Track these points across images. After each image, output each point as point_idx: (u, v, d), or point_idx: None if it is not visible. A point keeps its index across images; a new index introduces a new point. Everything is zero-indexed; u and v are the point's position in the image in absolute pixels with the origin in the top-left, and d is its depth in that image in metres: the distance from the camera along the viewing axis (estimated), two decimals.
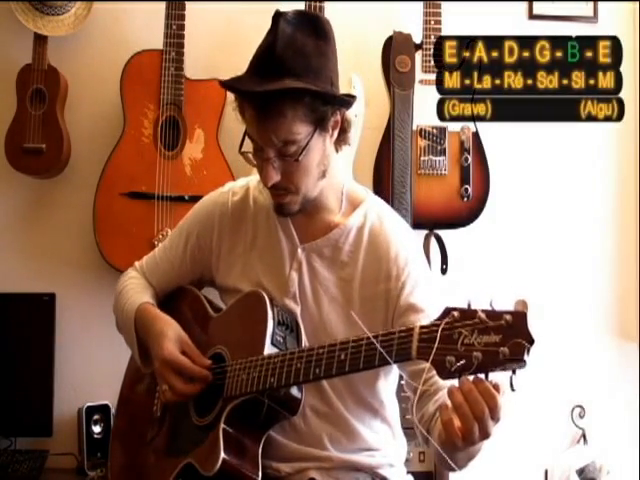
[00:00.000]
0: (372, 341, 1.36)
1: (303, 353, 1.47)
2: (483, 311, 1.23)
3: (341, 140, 1.64)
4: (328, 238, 1.66)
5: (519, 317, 1.20)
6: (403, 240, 1.66)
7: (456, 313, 1.25)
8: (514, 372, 1.21)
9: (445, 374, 1.25)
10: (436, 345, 1.25)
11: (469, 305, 1.25)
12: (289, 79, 1.50)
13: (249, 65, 1.57)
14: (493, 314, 1.22)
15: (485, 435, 1.26)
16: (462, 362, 1.22)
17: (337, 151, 1.65)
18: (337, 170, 1.67)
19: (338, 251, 1.65)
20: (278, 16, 1.53)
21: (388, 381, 1.69)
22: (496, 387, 1.25)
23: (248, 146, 1.60)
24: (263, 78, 1.50)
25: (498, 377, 1.24)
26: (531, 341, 1.19)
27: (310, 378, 1.45)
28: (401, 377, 1.78)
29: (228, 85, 1.57)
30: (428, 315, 1.32)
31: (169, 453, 1.65)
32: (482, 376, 1.24)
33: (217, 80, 1.61)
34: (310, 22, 1.56)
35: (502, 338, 1.20)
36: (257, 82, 1.50)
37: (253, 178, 1.80)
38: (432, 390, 1.50)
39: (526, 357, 1.18)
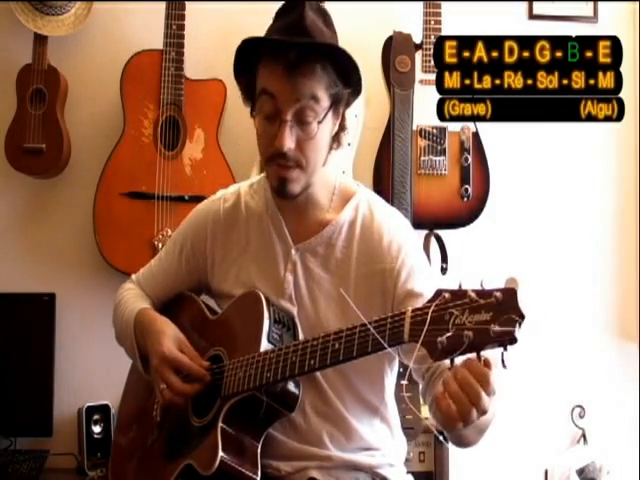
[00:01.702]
0: (365, 328, 1.36)
1: (298, 346, 1.47)
2: (473, 291, 1.23)
3: (337, 138, 1.64)
4: (321, 236, 1.66)
5: (509, 294, 1.21)
6: (394, 228, 1.66)
7: (447, 294, 1.26)
8: (505, 349, 1.21)
9: (437, 355, 1.25)
10: (426, 327, 1.25)
11: (460, 286, 1.26)
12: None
13: (270, 32, 1.58)
14: (483, 293, 1.23)
15: (483, 412, 1.27)
16: (453, 342, 1.22)
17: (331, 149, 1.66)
18: (330, 167, 1.68)
19: (332, 248, 1.65)
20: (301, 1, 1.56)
21: (388, 380, 1.69)
22: (486, 363, 1.25)
23: None
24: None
25: (489, 355, 1.24)
26: (521, 316, 1.19)
27: (305, 370, 1.45)
28: (400, 375, 1.78)
29: (257, 38, 1.56)
30: (427, 298, 1.32)
31: (169, 456, 1.65)
32: (474, 355, 1.23)
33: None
34: (324, 15, 1.61)
35: (493, 315, 1.20)
36: (290, 39, 1.51)
37: (244, 184, 1.81)
38: (438, 372, 1.52)
39: (517, 333, 1.18)
